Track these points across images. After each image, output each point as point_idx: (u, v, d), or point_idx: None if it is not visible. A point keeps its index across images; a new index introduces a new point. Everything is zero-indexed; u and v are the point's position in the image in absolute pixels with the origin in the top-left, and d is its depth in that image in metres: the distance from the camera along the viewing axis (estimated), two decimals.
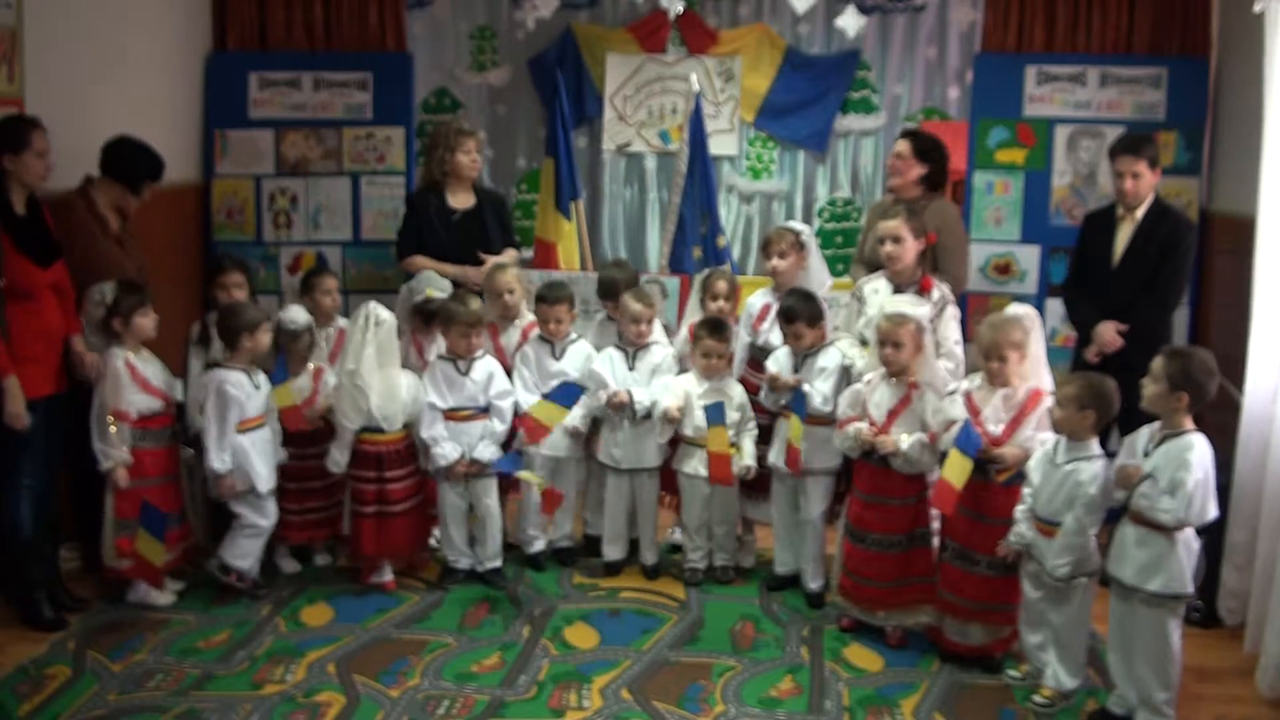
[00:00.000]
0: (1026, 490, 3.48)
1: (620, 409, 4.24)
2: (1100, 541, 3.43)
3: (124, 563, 3.96)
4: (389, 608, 4.09)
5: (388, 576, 4.24)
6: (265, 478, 4.09)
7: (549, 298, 4.37)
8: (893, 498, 3.79)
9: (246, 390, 4.05)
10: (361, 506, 4.17)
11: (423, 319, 4.48)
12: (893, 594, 3.83)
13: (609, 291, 4.52)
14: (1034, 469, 3.46)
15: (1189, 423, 3.20)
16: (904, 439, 3.70)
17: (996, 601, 3.61)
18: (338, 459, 4.18)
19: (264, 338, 4.10)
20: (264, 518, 4.14)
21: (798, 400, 4.00)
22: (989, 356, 3.60)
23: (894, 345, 3.74)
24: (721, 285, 4.41)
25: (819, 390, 4.00)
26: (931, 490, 3.70)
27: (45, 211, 3.95)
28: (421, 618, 4.03)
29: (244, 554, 4.13)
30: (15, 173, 3.79)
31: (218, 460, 3.98)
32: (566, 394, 4.21)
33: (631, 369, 4.31)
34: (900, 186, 4.56)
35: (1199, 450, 3.13)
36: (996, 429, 3.58)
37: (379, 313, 4.10)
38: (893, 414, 3.77)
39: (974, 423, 3.58)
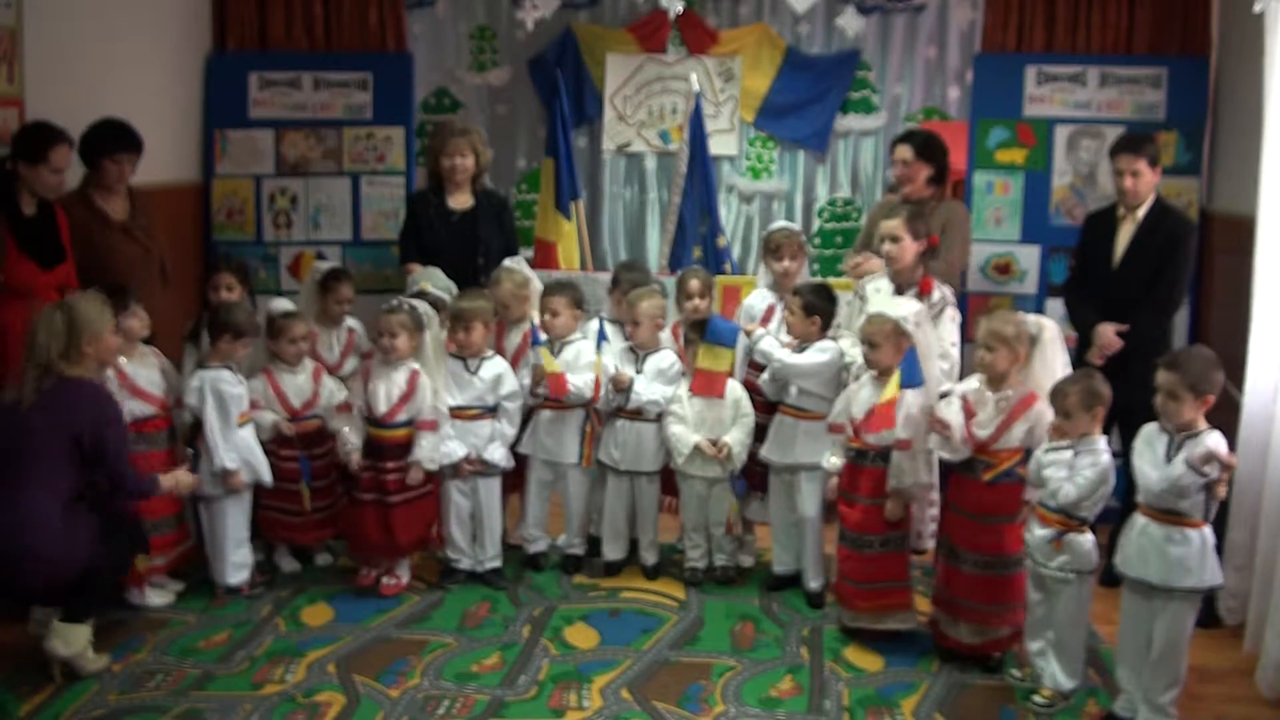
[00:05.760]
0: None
1: (621, 390, 4.23)
2: (1100, 542, 3.44)
3: None
4: (389, 608, 4.09)
5: (404, 579, 4.24)
6: (268, 467, 4.12)
7: (549, 289, 4.40)
8: (860, 496, 3.79)
9: (237, 387, 4.07)
10: (360, 494, 4.16)
11: None
12: (864, 596, 3.81)
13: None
14: (1046, 465, 3.43)
15: (1204, 421, 3.18)
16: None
17: (985, 601, 3.60)
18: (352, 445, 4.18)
19: (241, 350, 4.11)
20: (244, 514, 4.14)
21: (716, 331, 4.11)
22: (981, 344, 3.60)
23: (870, 345, 3.75)
24: (694, 284, 4.41)
25: (801, 355, 4.04)
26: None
27: (58, 214, 3.96)
28: (421, 618, 4.03)
29: (242, 564, 4.15)
30: (27, 180, 3.81)
31: (228, 458, 3.99)
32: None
33: (639, 371, 4.30)
34: (912, 193, 4.54)
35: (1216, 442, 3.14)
36: (989, 430, 3.57)
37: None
38: None
39: (965, 425, 3.57)
